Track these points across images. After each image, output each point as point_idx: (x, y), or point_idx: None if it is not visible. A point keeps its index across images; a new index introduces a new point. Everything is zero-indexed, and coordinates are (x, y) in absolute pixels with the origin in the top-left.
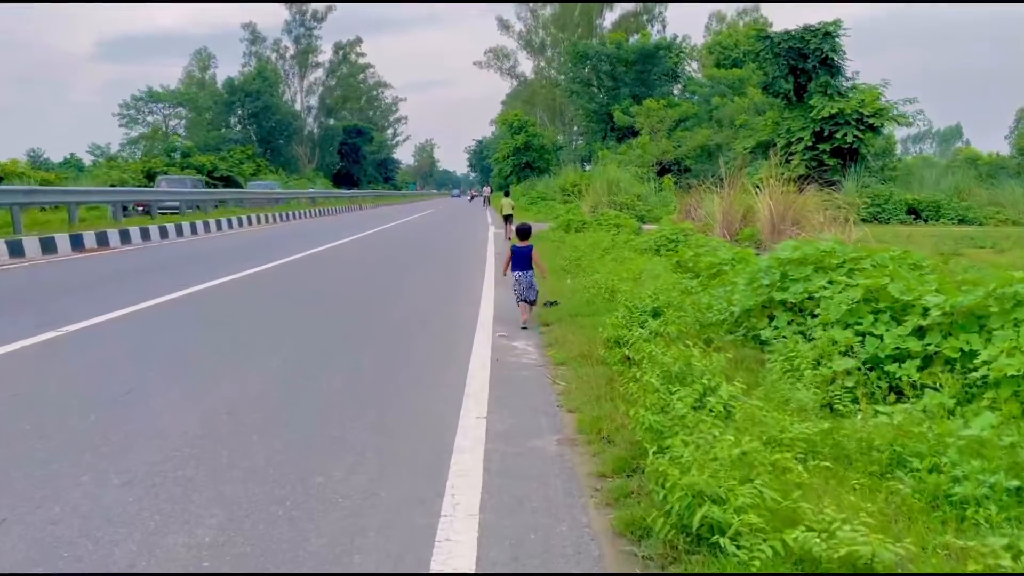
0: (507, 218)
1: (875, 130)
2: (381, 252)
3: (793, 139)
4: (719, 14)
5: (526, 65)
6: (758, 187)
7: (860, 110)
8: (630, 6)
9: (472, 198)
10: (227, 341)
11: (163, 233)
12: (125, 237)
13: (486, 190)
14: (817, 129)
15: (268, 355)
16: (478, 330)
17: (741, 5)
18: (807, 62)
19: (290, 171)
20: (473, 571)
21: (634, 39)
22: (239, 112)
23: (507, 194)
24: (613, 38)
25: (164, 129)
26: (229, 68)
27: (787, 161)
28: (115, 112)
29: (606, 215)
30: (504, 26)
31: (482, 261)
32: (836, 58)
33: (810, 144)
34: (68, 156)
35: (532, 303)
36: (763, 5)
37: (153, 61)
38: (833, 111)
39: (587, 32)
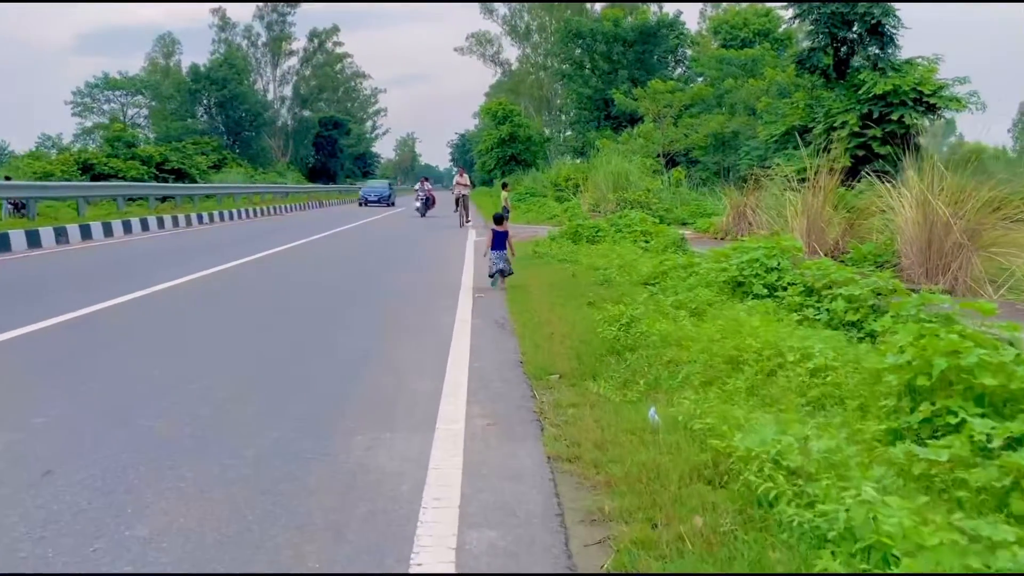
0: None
1: (935, 111)
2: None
3: (836, 123)
4: None
5: (510, 53)
6: (881, 179)
7: (919, 87)
8: None
9: (426, 202)
10: None
11: None
12: None
13: (460, 183)
14: (865, 111)
15: None
16: None
17: None
18: (851, 30)
19: (259, 164)
20: None
21: (628, 22)
22: (205, 101)
23: (505, 187)
24: (609, 15)
25: (122, 119)
26: (200, 58)
27: (826, 150)
28: (68, 100)
29: (627, 217)
30: (487, 9)
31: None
32: (889, 25)
33: (857, 129)
34: (33, 148)
35: (507, 275)
36: None
37: (135, 53)
38: (887, 88)
39: (577, 14)
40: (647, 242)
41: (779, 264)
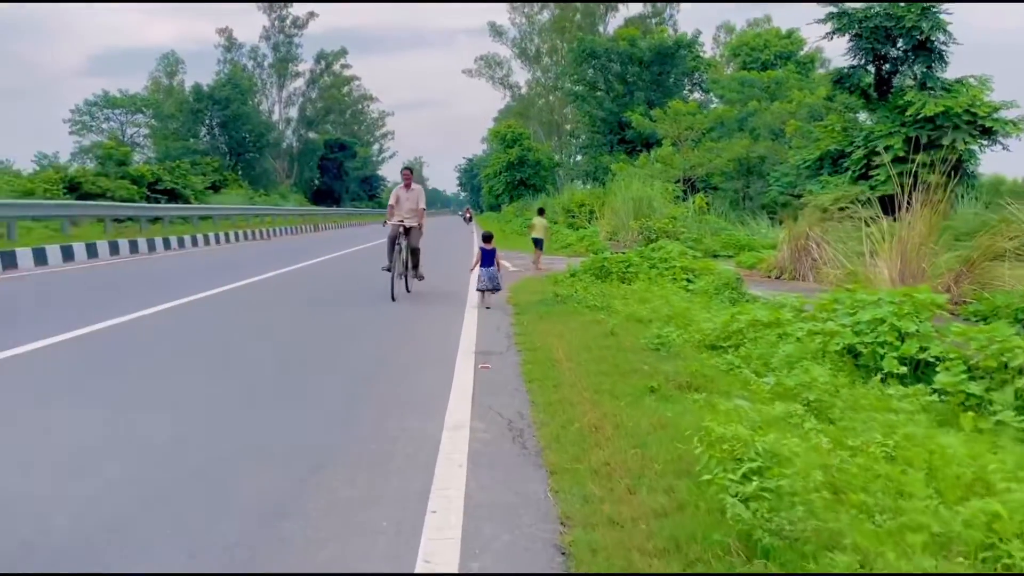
0: (536, 243)
1: (990, 135)
2: None
3: (877, 148)
4: (727, 25)
5: (520, 76)
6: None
7: (972, 109)
8: (636, 9)
9: None
10: None
11: None
12: None
13: (404, 205)
14: (912, 135)
15: None
16: None
17: (751, 15)
18: (896, 46)
19: (262, 186)
20: None
21: (645, 42)
22: (207, 121)
23: (541, 212)
24: (624, 34)
25: (121, 137)
26: (206, 80)
27: (864, 177)
28: (65, 119)
29: (663, 251)
30: (497, 32)
31: None
32: (938, 40)
33: (902, 154)
34: (33, 166)
35: (497, 290)
36: (775, 15)
37: (144, 75)
38: (937, 110)
39: (590, 33)
40: (689, 281)
41: (918, 329)
